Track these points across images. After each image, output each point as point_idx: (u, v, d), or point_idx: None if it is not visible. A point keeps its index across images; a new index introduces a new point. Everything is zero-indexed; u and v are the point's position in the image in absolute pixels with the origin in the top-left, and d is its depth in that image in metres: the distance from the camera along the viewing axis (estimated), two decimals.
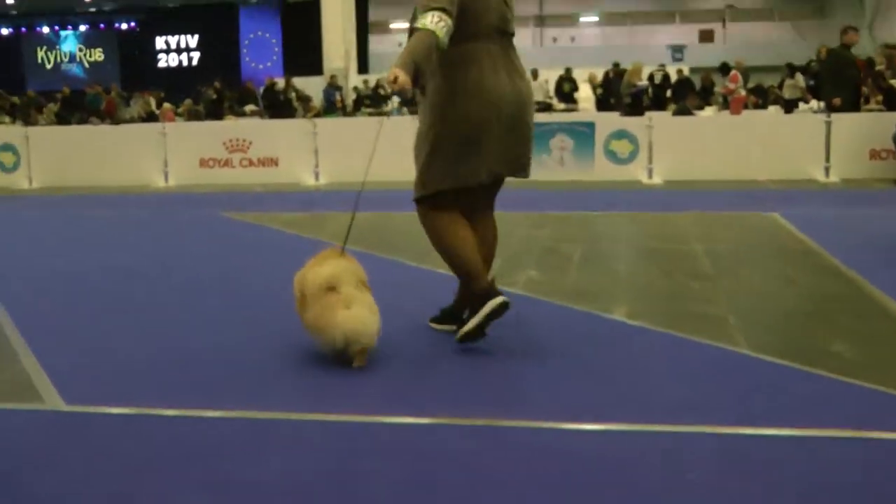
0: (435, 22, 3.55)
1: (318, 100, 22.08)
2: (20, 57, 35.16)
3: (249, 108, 19.65)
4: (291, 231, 7.48)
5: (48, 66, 35.34)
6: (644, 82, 15.66)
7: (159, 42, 34.39)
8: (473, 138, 3.75)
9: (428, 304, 4.39)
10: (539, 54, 34.19)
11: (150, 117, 19.57)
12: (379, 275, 5.38)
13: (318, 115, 20.24)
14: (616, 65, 21.22)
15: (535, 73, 21.97)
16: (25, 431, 3.01)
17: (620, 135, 11.44)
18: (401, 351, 3.82)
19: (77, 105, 23.60)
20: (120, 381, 3.51)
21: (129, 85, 27.37)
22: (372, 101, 22.25)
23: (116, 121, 19.27)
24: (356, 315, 3.48)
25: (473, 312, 3.77)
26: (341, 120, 17.17)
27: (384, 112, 19.16)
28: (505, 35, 3.87)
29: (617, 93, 18.68)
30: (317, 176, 12.18)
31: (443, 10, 3.57)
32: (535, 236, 6.95)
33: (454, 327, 3.95)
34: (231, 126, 14.11)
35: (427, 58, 3.57)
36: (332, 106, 21.30)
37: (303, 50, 27.96)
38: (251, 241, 7.20)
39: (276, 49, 32.41)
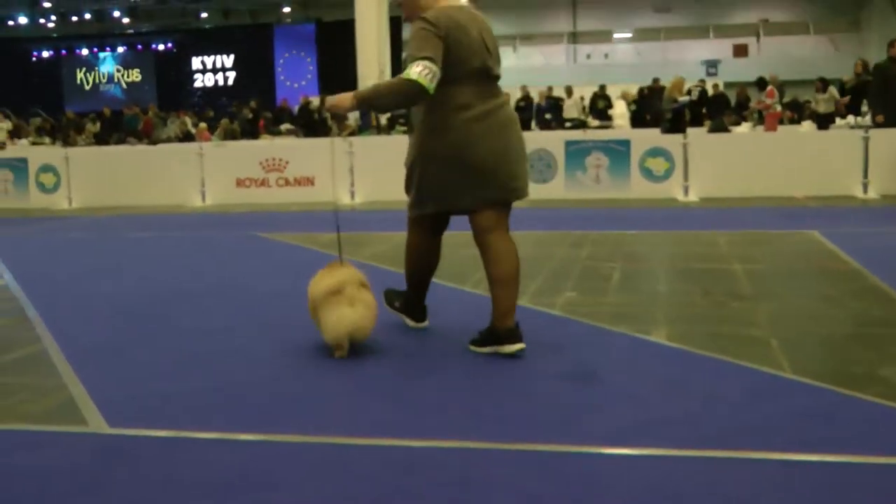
0: (418, 72, 3.88)
1: (352, 118, 22.21)
2: (60, 79, 35.70)
3: (285, 126, 19.80)
4: (330, 252, 7.50)
5: (87, 88, 35.85)
6: (685, 97, 15.27)
7: (195, 62, 34.76)
8: (459, 170, 4.10)
9: (465, 326, 4.38)
10: (573, 71, 34.26)
11: (187, 137, 19.76)
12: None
13: (352, 133, 20.37)
14: (656, 80, 21.09)
15: (569, 91, 21.99)
16: (70, 454, 3.04)
17: (656, 152, 11.40)
18: (441, 374, 3.82)
19: (115, 125, 23.93)
20: (164, 404, 3.54)
21: (166, 105, 27.67)
22: (406, 119, 22.29)
23: (154, 141, 19.52)
24: (354, 319, 4.07)
25: (406, 312, 4.75)
26: (377, 138, 17.23)
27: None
28: (489, 77, 4.18)
29: (652, 109, 18.62)
30: (352, 195, 12.24)
31: (429, 59, 3.91)
32: (573, 256, 6.93)
33: (494, 348, 4.12)
34: (267, 146, 14.22)
35: (396, 99, 4.07)
36: (367, 123, 21.40)
37: (337, 69, 28.14)
38: (289, 263, 7.24)
39: (311, 68, 32.64)
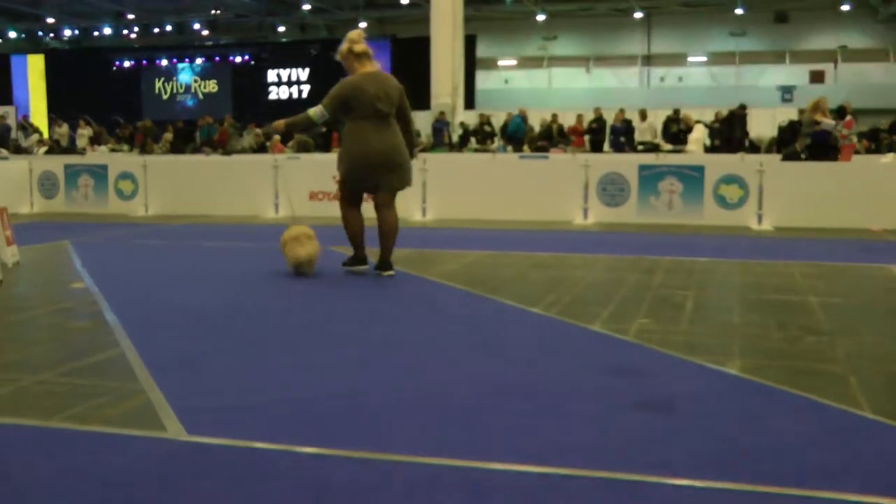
0: (314, 110, 6.97)
1: (425, 134, 22.35)
2: (139, 88, 36.54)
3: None
4: (401, 269, 7.56)
5: (164, 97, 36.63)
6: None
7: (271, 75, 35.30)
8: (356, 169, 6.93)
9: (531, 346, 4.38)
10: (646, 94, 34.09)
11: (261, 149, 20.06)
12: (480, 315, 5.43)
13: (424, 149, 20.50)
14: (742, 106, 20.79)
15: (643, 114, 21.85)
16: (148, 459, 3.11)
17: (730, 179, 11.27)
18: (513, 398, 3.82)
19: (190, 135, 24.39)
20: (242, 415, 3.59)
21: (241, 116, 28.14)
22: (479, 136, 22.40)
23: (228, 151, 19.85)
24: (308, 250, 7.06)
25: (352, 264, 7.26)
26: (450, 155, 17.33)
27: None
28: (380, 115, 6.88)
29: (733, 135, 18.35)
30: (424, 212, 12.31)
31: (324, 105, 6.94)
32: (645, 282, 6.88)
33: (366, 266, 7.24)
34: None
35: (302, 123, 7.17)
36: (440, 140, 21.52)
37: (411, 85, 28.30)
38: (360, 279, 7.30)
39: None
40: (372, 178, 6.93)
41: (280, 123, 7.19)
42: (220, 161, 16.35)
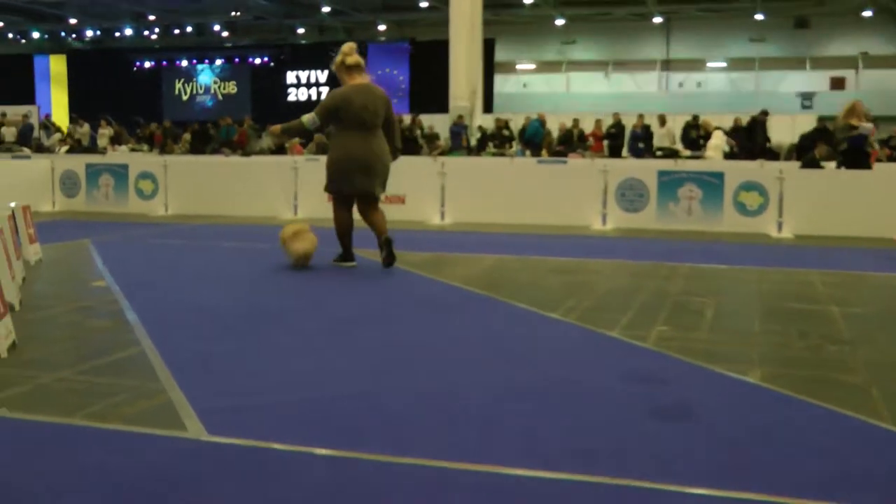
0: (306, 117, 7.59)
1: (443, 138, 22.36)
2: (159, 89, 36.72)
3: None
4: (419, 272, 7.57)
5: (184, 98, 36.81)
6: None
7: (290, 77, 35.40)
8: (341, 174, 7.51)
9: (548, 351, 4.38)
10: (665, 99, 34.01)
11: (280, 150, 20.11)
12: (497, 320, 5.42)
13: (443, 153, 20.51)
14: (764, 112, 20.64)
15: (662, 119, 21.78)
16: (170, 458, 3.13)
17: (750, 186, 11.22)
18: (529, 403, 3.82)
19: (209, 135, 24.48)
20: (263, 416, 3.61)
21: (259, 117, 28.23)
22: (497, 140, 22.38)
23: (247, 153, 19.92)
24: (304, 245, 7.60)
25: (341, 260, 7.80)
26: (469, 159, 17.31)
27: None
28: (365, 126, 7.45)
29: (755, 141, 18.22)
30: (442, 215, 12.31)
31: (315, 114, 7.56)
32: (664, 289, 6.86)
33: (354, 264, 7.79)
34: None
35: (296, 129, 7.84)
36: (458, 144, 21.51)
37: (430, 88, 28.36)
38: (378, 282, 7.31)
39: (404, 87, 32.98)
40: (350, 181, 7.49)
41: (276, 128, 7.98)
42: (239, 162, 16.41)
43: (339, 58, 7.68)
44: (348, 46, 7.79)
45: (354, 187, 7.52)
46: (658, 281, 7.26)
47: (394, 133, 7.86)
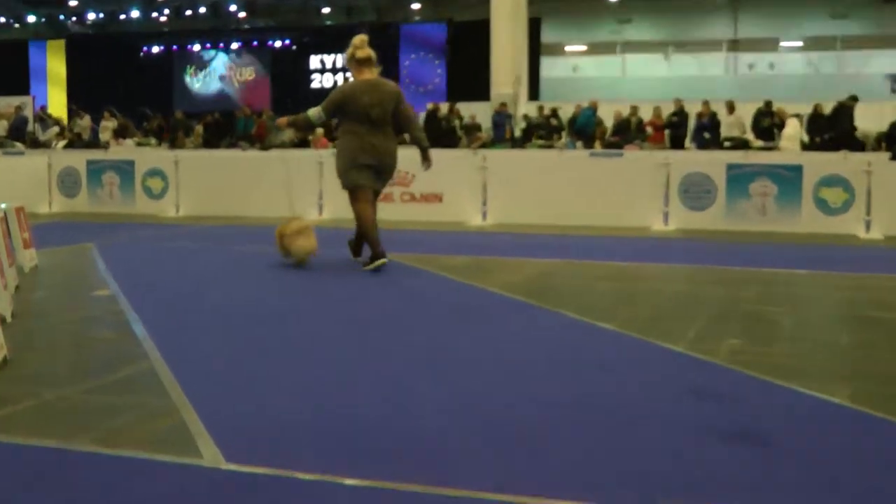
0: (313, 111, 8.13)
1: (484, 128, 22.32)
2: (170, 76, 37.01)
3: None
4: (456, 278, 7.56)
5: (197, 86, 37.09)
6: None
7: (314, 61, 35.55)
8: (354, 167, 7.98)
9: (604, 367, 4.33)
10: (732, 83, 33.67)
11: (303, 143, 20.21)
12: (546, 331, 5.39)
13: (484, 145, 20.49)
14: (853, 97, 20.39)
15: (730, 106, 21.53)
16: (184, 489, 3.12)
17: (833, 181, 11.09)
18: (587, 426, 3.78)
19: (226, 128, 24.64)
20: (281, 439, 3.60)
21: (280, 107, 28.37)
22: (544, 130, 22.31)
23: (266, 146, 20.02)
24: (309, 242, 8.05)
25: (372, 261, 7.80)
26: (512, 152, 17.27)
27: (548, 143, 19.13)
28: (371, 121, 7.91)
29: (840, 131, 17.93)
30: (484, 215, 12.30)
31: (322, 108, 8.10)
32: (737, 297, 6.79)
33: (385, 260, 7.80)
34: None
35: (302, 123, 8.60)
36: (501, 135, 21.47)
37: (469, 73, 28.38)
38: (413, 288, 7.31)
39: (440, 72, 32.99)
40: (364, 174, 8.02)
41: (283, 120, 8.91)
42: (259, 157, 16.51)
43: (349, 51, 8.25)
44: (359, 39, 8.27)
45: (369, 180, 8.04)
46: (728, 288, 7.20)
47: (412, 122, 8.56)
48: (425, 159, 8.38)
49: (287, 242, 8.09)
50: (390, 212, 12.36)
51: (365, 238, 8.13)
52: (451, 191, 12.43)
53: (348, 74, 37.60)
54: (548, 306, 6.32)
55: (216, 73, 37.09)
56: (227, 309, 6.35)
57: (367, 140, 7.93)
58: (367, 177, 8.02)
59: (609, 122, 22.20)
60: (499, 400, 4.14)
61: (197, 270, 8.40)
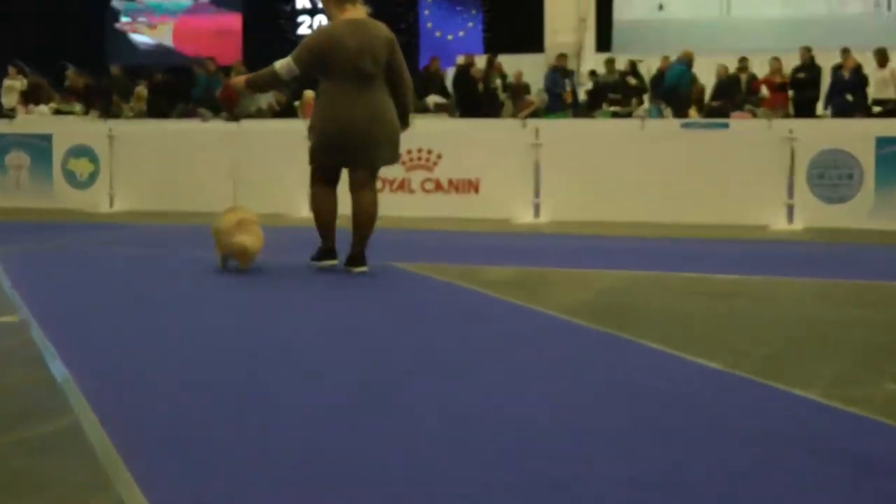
0: (281, 63, 8.32)
1: (535, 90, 22.32)
2: (100, 21, 37.20)
3: (433, 100, 20.01)
4: (499, 296, 7.53)
5: (140, 34, 37.27)
6: None
7: (300, 0, 35.73)
8: (330, 140, 8.25)
9: (707, 424, 4.28)
10: (882, 25, 33.40)
11: (287, 112, 20.22)
12: (627, 372, 5.36)
13: (535, 113, 20.46)
14: None
15: (881, 56, 21.32)
16: None
17: None
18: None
19: (180, 90, 24.69)
20: None
21: (254, 61, 28.43)
22: (618, 93, 22.28)
23: (237, 115, 20.05)
24: (250, 238, 8.33)
25: (319, 258, 8.58)
26: (575, 123, 17.30)
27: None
28: (362, 75, 8.06)
29: None
30: (537, 210, 12.27)
31: (293, 59, 8.27)
32: (893, 324, 6.74)
33: (336, 261, 8.56)
34: (410, 131, 14.35)
35: (265, 80, 8.83)
36: (558, 100, 21.47)
37: (514, 15, 28.40)
38: (440, 310, 7.28)
39: (475, 13, 33.05)
40: (348, 152, 8.27)
41: (240, 79, 9.14)
42: (226, 130, 16.52)
43: None
44: None
45: (347, 158, 8.32)
46: (881, 312, 7.19)
47: (404, 87, 8.54)
48: (404, 124, 8.63)
49: (222, 239, 8.47)
50: (408, 206, 12.39)
51: (318, 230, 8.57)
52: (490, 177, 12.42)
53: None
54: (628, 336, 6.28)
55: (167, 15, 37.30)
56: (178, 343, 6.34)
57: (356, 101, 8.04)
58: (347, 154, 8.23)
59: (709, 81, 22.15)
60: (563, 468, 4.04)
61: (138, 288, 8.41)
